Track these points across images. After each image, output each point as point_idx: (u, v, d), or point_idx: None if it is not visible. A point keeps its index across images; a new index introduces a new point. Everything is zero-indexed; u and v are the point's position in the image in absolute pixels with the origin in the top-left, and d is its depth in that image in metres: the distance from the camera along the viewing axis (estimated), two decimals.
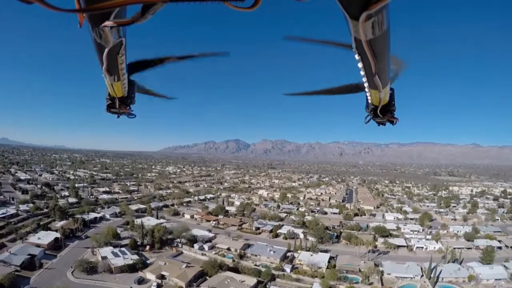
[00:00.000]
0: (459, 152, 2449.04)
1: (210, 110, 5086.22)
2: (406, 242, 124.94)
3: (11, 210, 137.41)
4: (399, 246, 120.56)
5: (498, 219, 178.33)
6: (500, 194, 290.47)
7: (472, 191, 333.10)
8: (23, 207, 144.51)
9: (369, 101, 5.50)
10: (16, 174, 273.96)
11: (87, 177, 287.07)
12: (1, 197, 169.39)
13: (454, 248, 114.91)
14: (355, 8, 2.97)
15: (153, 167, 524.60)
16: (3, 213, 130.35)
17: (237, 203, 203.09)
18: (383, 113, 5.58)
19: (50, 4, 2.44)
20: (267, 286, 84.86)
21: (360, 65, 4.10)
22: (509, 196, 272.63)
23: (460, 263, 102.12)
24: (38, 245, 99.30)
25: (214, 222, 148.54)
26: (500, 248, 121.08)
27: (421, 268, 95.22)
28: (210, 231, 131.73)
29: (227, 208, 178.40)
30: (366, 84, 4.78)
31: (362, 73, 4.33)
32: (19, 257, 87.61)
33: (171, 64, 5.69)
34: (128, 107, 6.23)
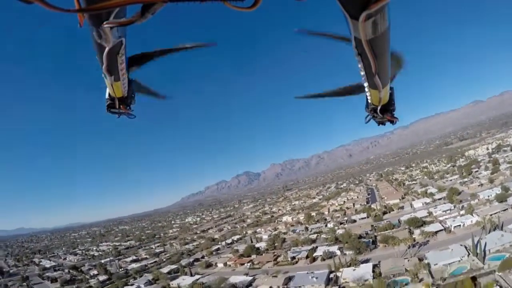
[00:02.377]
0: (462, 114, 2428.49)
1: (214, 149, 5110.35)
2: (442, 226, 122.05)
3: None
4: (436, 232, 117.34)
5: None
6: None
7: (488, 149, 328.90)
8: None
9: (369, 101, 5.54)
10: (41, 263, 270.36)
11: (111, 249, 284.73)
12: None
13: (491, 215, 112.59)
14: (355, 7, 2.98)
15: (173, 222, 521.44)
16: None
17: (265, 237, 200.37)
18: (383, 113, 5.63)
19: (50, 4, 2.44)
20: None
21: (360, 64, 4.15)
22: None
23: (502, 228, 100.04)
24: None
25: (248, 264, 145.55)
26: None
27: (466, 247, 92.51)
28: (247, 274, 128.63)
29: (257, 245, 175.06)
30: (366, 84, 4.84)
31: (362, 72, 4.37)
32: None
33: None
34: (128, 107, 6.20)
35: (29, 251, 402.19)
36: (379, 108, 5.51)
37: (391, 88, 5.36)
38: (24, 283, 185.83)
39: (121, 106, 5.99)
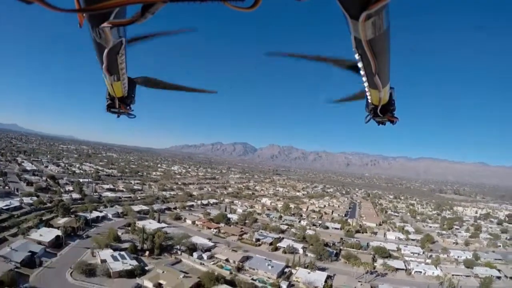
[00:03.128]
0: (466, 170, 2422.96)
1: (219, 111, 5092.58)
2: (405, 265, 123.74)
3: (15, 202, 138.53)
4: (397, 269, 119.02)
5: (500, 246, 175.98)
6: (504, 218, 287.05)
7: (476, 212, 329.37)
8: (26, 200, 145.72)
9: (369, 101, 5.62)
10: (23, 164, 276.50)
11: (92, 172, 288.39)
12: (6, 187, 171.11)
13: (453, 275, 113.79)
14: (355, 7, 2.99)
15: (159, 165, 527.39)
16: (6, 205, 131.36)
17: (240, 210, 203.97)
18: (383, 113, 5.70)
19: (50, 4, 2.44)
20: None
21: (360, 65, 4.22)
22: None
23: None
24: (39, 242, 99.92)
25: (215, 230, 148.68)
26: (499, 278, 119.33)
27: None
28: (210, 239, 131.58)
29: (229, 215, 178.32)
30: (366, 84, 4.89)
31: (362, 72, 4.47)
32: (20, 254, 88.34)
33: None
34: (128, 107, 6.38)
35: (15, 149, 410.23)
36: (379, 108, 5.60)
37: (391, 88, 5.47)
38: (1, 178, 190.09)
39: (121, 106, 6.17)
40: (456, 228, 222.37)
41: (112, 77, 5.04)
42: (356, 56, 3.96)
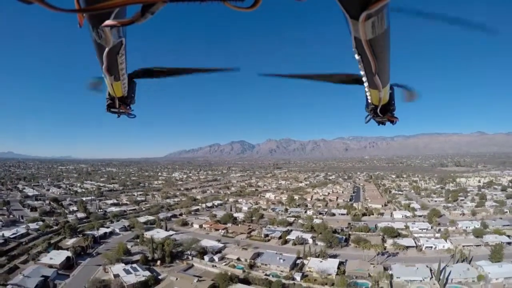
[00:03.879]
0: (465, 141, 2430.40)
1: (213, 112, 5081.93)
2: (415, 242, 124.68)
3: (21, 229, 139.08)
4: (408, 247, 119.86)
5: (507, 212, 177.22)
6: (508, 184, 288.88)
7: (479, 181, 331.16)
8: (32, 225, 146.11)
9: (369, 101, 5.63)
10: (24, 190, 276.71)
11: (94, 189, 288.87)
12: (11, 216, 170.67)
13: (463, 246, 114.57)
14: (355, 7, 3.00)
15: (160, 174, 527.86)
16: (13, 234, 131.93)
17: (245, 208, 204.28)
18: (383, 113, 5.73)
19: (50, 4, 2.44)
20: None
21: (360, 65, 4.24)
22: None
23: (469, 262, 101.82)
24: (50, 266, 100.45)
25: (223, 231, 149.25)
26: (509, 243, 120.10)
27: (431, 270, 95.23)
28: (219, 241, 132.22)
29: (235, 215, 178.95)
30: (366, 84, 4.91)
31: (362, 72, 4.48)
32: (33, 280, 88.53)
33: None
34: (128, 107, 6.39)
35: (14, 176, 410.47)
36: (379, 108, 5.63)
37: (391, 88, 5.50)
38: (4, 207, 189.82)
39: (121, 106, 6.19)
40: (461, 200, 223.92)
41: (112, 77, 5.08)
42: (356, 56, 4.01)
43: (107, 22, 3.20)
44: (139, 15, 2.96)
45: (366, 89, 5.17)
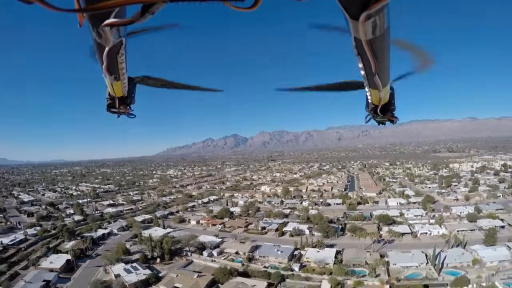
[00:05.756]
0: (457, 126, 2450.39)
1: (205, 107, 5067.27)
2: (410, 229, 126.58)
3: (19, 235, 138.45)
4: (403, 234, 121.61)
5: (500, 196, 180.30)
6: (500, 168, 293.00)
7: (472, 166, 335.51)
8: (30, 231, 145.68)
9: (369, 101, 5.73)
10: (19, 196, 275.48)
11: (89, 191, 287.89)
12: (8, 223, 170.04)
13: (458, 231, 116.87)
14: (355, 7, 3.02)
15: (154, 172, 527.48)
16: (12, 240, 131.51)
17: (241, 202, 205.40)
18: (383, 112, 5.84)
19: (50, 4, 2.45)
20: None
21: (360, 65, 4.30)
22: (509, 170, 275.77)
23: (464, 247, 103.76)
24: (51, 270, 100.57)
25: (220, 226, 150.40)
26: (503, 227, 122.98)
27: (426, 255, 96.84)
28: (217, 236, 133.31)
29: (232, 209, 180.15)
30: (366, 84, 5.00)
31: (362, 72, 4.54)
32: (34, 285, 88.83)
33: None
34: (128, 107, 6.47)
35: (9, 183, 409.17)
36: (379, 108, 5.71)
37: (391, 88, 5.58)
38: (1, 215, 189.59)
39: (121, 106, 6.28)
40: (455, 185, 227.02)
41: (112, 77, 5.15)
42: (356, 56, 4.10)
43: (107, 21, 3.21)
44: (139, 15, 2.97)
45: (366, 89, 5.35)
